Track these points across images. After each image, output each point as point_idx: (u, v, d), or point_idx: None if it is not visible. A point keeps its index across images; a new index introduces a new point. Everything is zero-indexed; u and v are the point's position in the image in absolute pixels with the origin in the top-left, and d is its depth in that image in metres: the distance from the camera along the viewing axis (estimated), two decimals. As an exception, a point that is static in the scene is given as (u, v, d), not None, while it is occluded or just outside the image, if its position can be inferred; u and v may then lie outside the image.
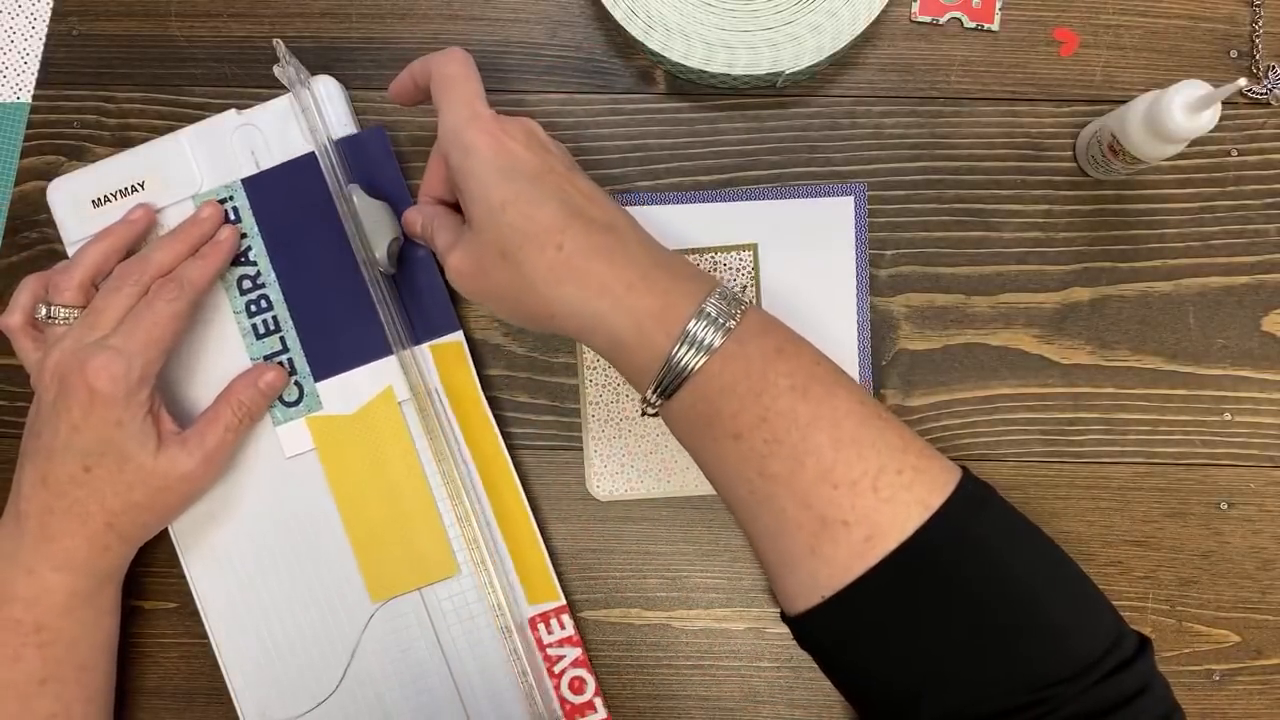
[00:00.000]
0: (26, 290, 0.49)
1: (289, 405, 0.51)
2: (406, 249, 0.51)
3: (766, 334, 0.39)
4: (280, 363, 0.51)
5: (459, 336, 0.51)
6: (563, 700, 0.49)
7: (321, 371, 0.51)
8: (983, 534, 0.37)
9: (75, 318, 0.47)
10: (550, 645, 0.50)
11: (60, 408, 0.45)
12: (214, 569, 0.51)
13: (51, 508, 0.45)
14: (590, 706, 0.50)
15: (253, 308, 0.51)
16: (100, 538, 0.46)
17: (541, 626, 0.50)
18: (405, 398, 0.50)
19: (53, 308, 0.47)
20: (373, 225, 0.49)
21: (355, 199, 0.49)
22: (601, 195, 0.42)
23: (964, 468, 0.39)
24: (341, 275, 0.50)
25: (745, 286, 0.52)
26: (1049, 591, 0.37)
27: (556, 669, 0.50)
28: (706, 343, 0.38)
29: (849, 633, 0.38)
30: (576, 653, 0.50)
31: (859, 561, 0.36)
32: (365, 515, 0.50)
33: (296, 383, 0.51)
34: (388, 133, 0.51)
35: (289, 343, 0.51)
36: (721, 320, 0.38)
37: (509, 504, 0.50)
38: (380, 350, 0.50)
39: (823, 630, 0.39)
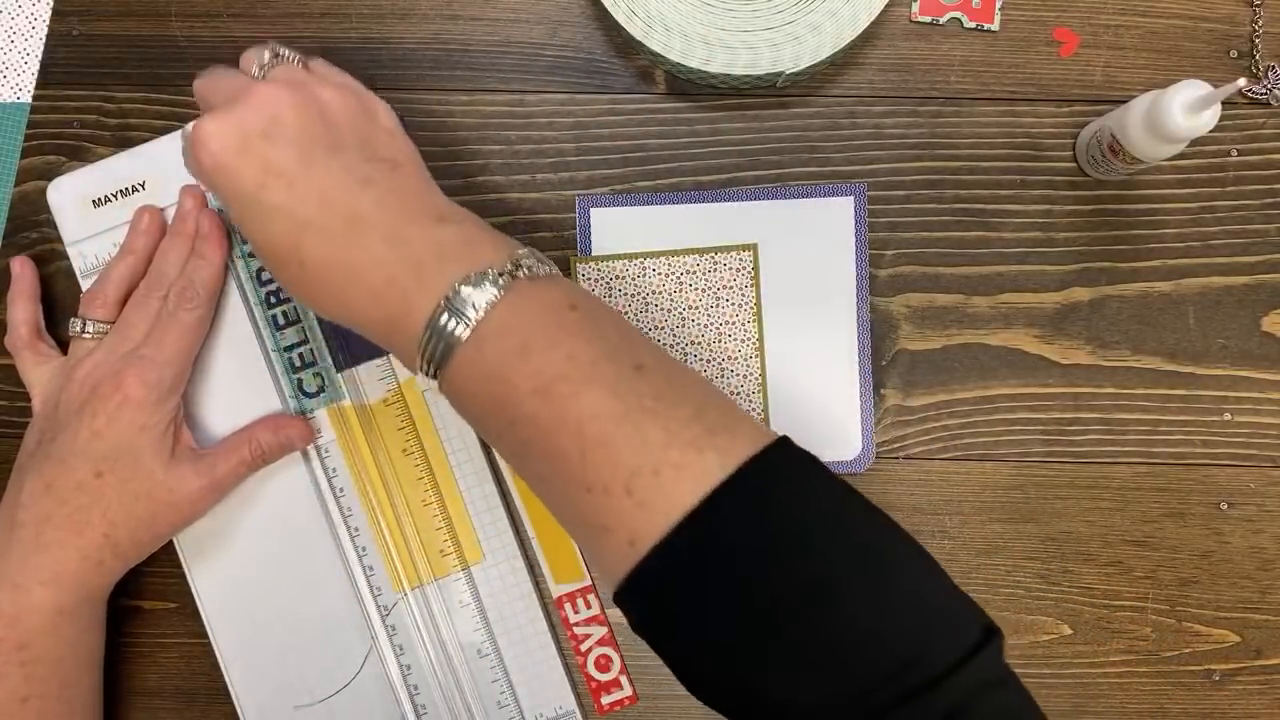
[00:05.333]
0: (20, 307, 0.50)
1: (310, 396, 0.51)
2: None
3: (510, 331, 0.37)
4: (301, 354, 0.51)
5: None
6: (589, 677, 0.50)
7: (343, 361, 0.51)
8: (741, 537, 0.34)
9: (106, 332, 0.48)
10: (577, 624, 0.50)
11: (85, 414, 0.45)
12: (214, 569, 0.51)
13: (51, 515, 0.45)
14: (616, 684, 0.50)
15: (273, 299, 0.51)
16: (95, 551, 0.45)
17: (568, 605, 0.50)
18: (427, 387, 0.51)
19: (88, 323, 0.48)
20: None
21: None
22: (354, 179, 0.39)
23: (779, 440, 0.36)
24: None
25: (745, 287, 0.52)
26: (845, 587, 0.34)
27: (583, 647, 0.50)
28: (440, 352, 0.37)
29: (642, 620, 0.36)
30: (602, 631, 0.51)
31: (626, 564, 0.35)
32: (390, 504, 0.50)
33: (317, 373, 0.51)
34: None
35: (310, 333, 0.51)
36: (454, 325, 0.37)
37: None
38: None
39: (627, 611, 0.37)
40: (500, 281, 0.37)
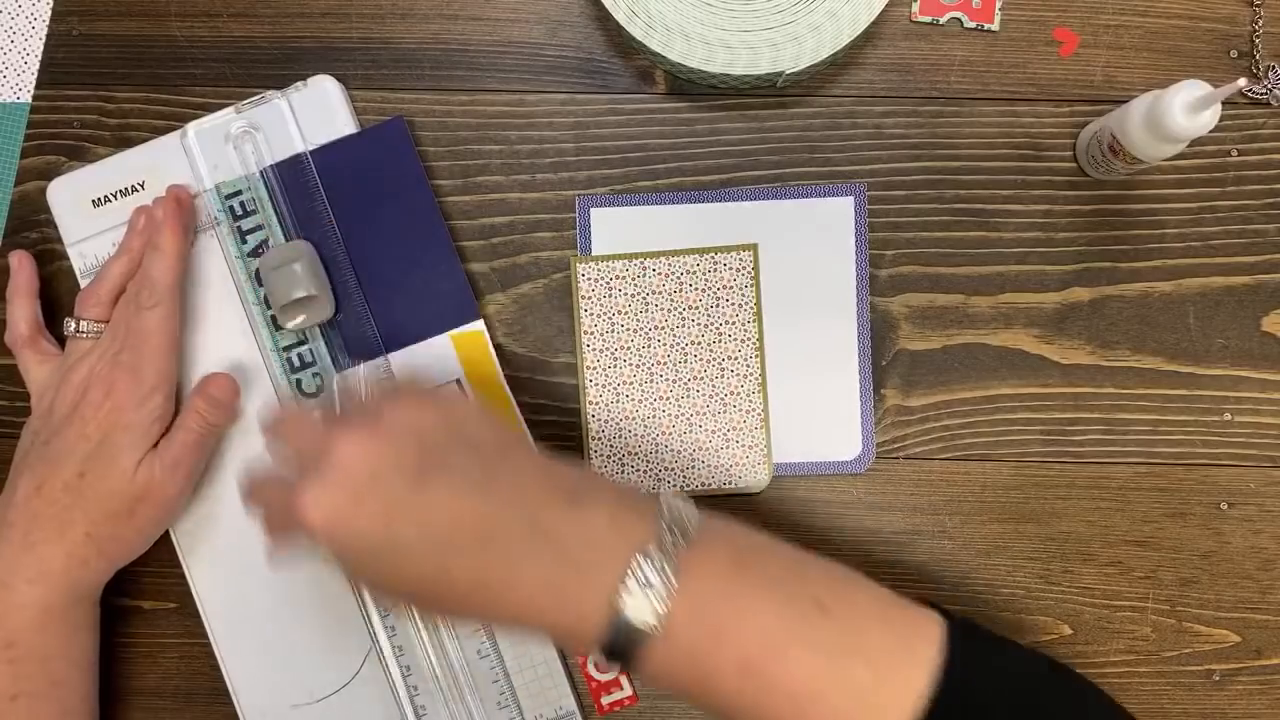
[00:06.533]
0: (19, 303, 0.50)
1: (309, 396, 0.51)
2: (416, 243, 0.51)
3: (697, 618, 0.36)
4: (300, 354, 0.51)
5: (479, 325, 0.51)
6: (589, 677, 0.50)
7: (342, 362, 0.51)
8: None
9: (101, 332, 0.48)
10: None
11: (75, 417, 0.46)
12: (214, 569, 0.51)
13: (39, 515, 0.45)
14: (616, 684, 0.50)
15: (270, 300, 0.51)
16: (79, 549, 0.45)
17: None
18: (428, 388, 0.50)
19: (82, 322, 0.48)
20: (274, 283, 0.49)
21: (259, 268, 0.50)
22: (468, 484, 0.37)
23: (951, 625, 0.38)
24: (360, 267, 0.51)
25: (745, 287, 0.52)
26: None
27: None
28: (629, 650, 0.35)
29: None
30: None
31: None
32: None
33: (316, 373, 0.51)
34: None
35: (308, 334, 0.51)
36: (637, 622, 0.35)
37: None
38: (402, 340, 0.51)
39: None
40: (668, 568, 0.36)
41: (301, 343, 0.51)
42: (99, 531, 0.46)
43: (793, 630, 0.36)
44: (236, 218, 0.51)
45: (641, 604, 0.35)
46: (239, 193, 0.51)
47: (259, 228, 0.51)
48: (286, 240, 0.51)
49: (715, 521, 0.39)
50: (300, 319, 0.50)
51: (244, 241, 0.51)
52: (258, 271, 0.51)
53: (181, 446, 0.47)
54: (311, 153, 0.51)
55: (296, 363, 0.51)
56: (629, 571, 0.35)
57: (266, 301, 0.51)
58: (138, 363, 0.46)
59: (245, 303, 0.51)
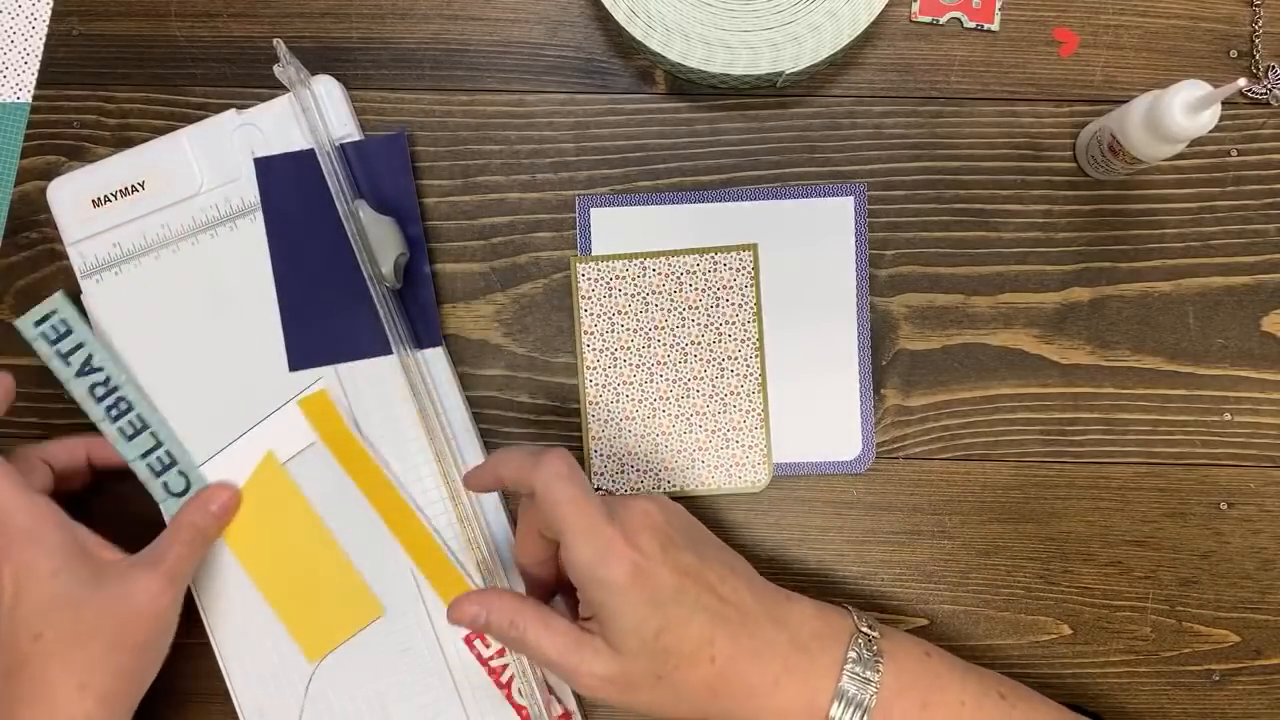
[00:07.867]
0: None
1: (178, 496, 0.49)
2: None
3: (906, 691, 0.41)
4: (159, 457, 0.49)
5: (322, 386, 0.50)
6: (517, 706, 0.49)
7: (201, 455, 0.50)
8: None
9: None
10: (491, 658, 0.49)
11: None
12: (214, 569, 0.50)
13: (19, 697, 0.41)
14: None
15: (113, 413, 0.49)
16: (73, 707, 0.42)
17: (478, 643, 0.50)
18: (288, 457, 0.50)
19: None
20: (379, 240, 0.49)
21: (361, 213, 0.49)
22: (724, 568, 0.42)
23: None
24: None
25: (745, 287, 0.52)
26: None
27: (503, 679, 0.49)
28: None
29: None
30: (513, 660, 0.49)
31: None
32: (280, 581, 0.50)
33: (180, 472, 0.49)
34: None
35: (161, 436, 0.49)
36: (863, 698, 0.40)
37: (415, 534, 0.50)
38: (251, 416, 0.50)
39: None
40: (873, 647, 0.42)
41: (157, 446, 0.50)
42: (92, 678, 0.42)
43: (986, 709, 0.42)
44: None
45: (862, 682, 0.41)
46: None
47: (80, 345, 0.49)
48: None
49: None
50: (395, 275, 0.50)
51: (85, 370, 0.49)
52: (93, 388, 0.49)
53: (181, 561, 0.46)
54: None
55: (157, 466, 0.49)
56: (848, 654, 0.41)
57: (110, 415, 0.49)
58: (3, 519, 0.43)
59: (99, 419, 0.50)
